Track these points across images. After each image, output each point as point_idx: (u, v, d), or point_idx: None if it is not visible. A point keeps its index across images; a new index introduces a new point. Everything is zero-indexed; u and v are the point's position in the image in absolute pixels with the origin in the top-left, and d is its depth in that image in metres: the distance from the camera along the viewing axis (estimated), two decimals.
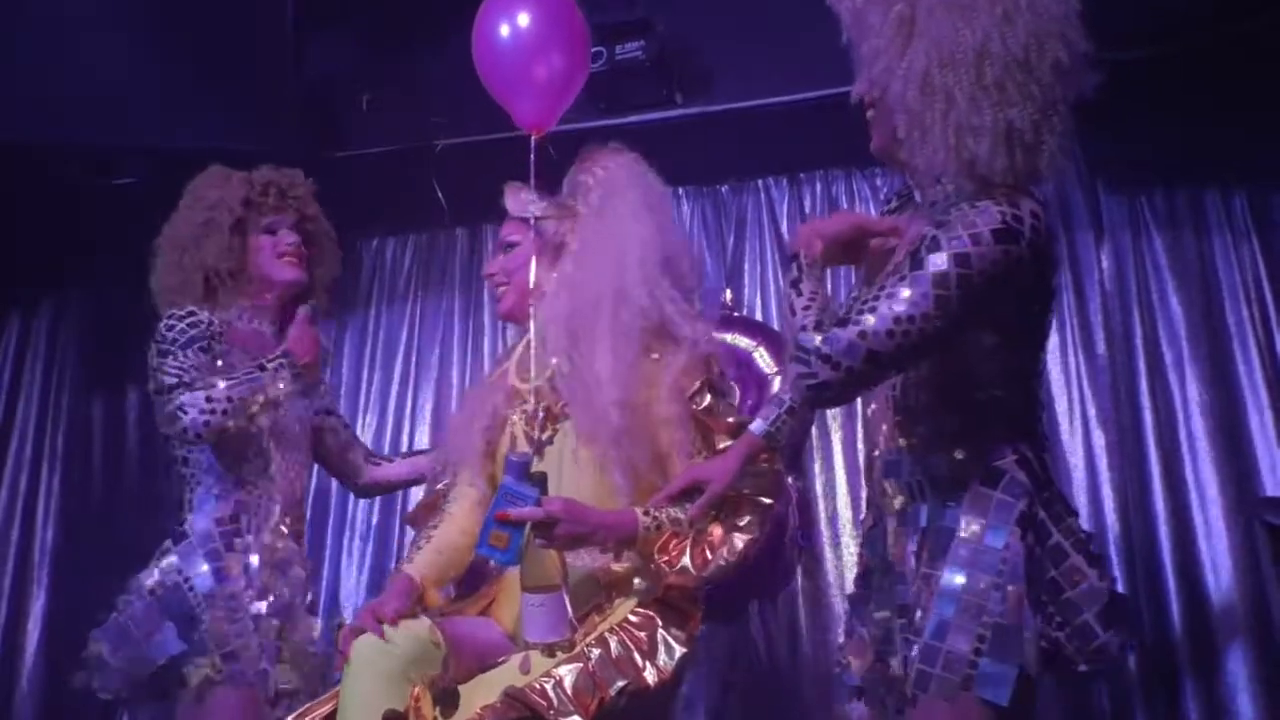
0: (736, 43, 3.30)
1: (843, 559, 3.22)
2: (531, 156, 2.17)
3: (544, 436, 1.97)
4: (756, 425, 1.87)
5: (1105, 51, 2.73)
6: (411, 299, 3.87)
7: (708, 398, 1.92)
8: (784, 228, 3.54)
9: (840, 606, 3.18)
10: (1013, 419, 1.55)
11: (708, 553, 1.83)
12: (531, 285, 2.03)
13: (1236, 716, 2.80)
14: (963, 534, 1.48)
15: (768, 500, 1.89)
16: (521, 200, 2.05)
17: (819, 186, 3.54)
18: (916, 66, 1.42)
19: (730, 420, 1.94)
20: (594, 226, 1.99)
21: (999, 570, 1.45)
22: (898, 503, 1.59)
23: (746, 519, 1.87)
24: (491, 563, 1.96)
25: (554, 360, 1.96)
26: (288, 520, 2.38)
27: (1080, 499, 3.06)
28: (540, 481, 1.75)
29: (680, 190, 3.64)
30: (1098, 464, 3.10)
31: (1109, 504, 3.05)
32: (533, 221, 2.05)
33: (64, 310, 3.92)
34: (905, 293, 1.38)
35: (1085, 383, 3.17)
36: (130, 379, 3.83)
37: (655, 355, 1.92)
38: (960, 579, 1.46)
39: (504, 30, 2.25)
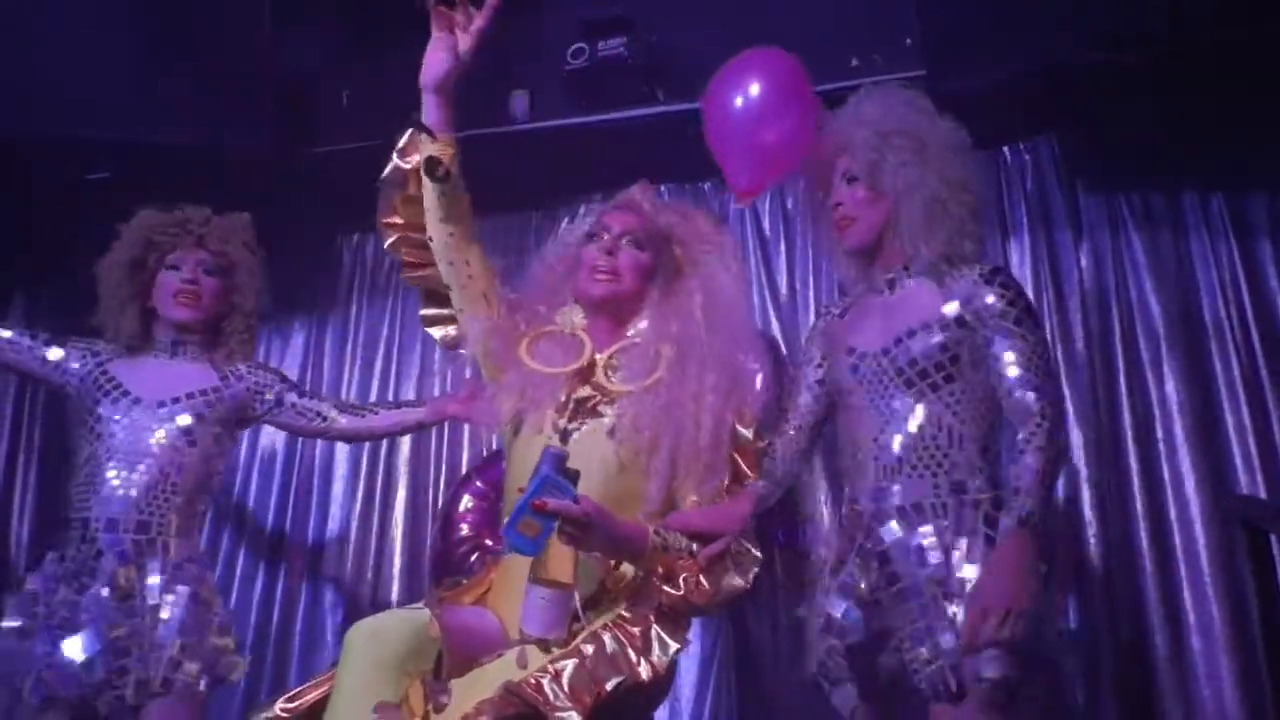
0: (719, 39, 3.27)
1: (823, 558, 3.22)
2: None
3: (569, 426, 1.98)
4: (754, 488, 2.02)
5: (1086, 54, 2.76)
6: (392, 295, 3.85)
7: (758, 446, 2.05)
8: (765, 225, 3.54)
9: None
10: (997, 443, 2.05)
11: (705, 584, 1.87)
12: (645, 293, 2.10)
13: (1214, 714, 2.82)
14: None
15: (758, 553, 1.96)
16: (671, 211, 2.19)
17: (801, 184, 3.52)
18: (930, 185, 2.05)
19: (755, 448, 2.05)
20: (713, 270, 2.12)
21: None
22: (911, 522, 1.97)
23: (743, 567, 1.93)
24: (506, 545, 1.94)
25: (653, 363, 2.00)
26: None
27: (1057, 495, 3.08)
28: (575, 478, 1.75)
29: (662, 188, 3.63)
30: (1076, 461, 3.11)
31: (1087, 501, 3.06)
32: (667, 237, 2.13)
33: (38, 305, 3.88)
34: (1031, 341, 1.99)
35: (1064, 381, 3.18)
36: None
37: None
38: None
39: (739, 100, 2.29)
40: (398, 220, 2.12)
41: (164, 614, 2.38)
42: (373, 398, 3.75)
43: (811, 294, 3.43)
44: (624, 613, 1.84)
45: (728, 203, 3.58)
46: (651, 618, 1.84)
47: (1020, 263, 3.31)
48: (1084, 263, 3.26)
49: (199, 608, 2.44)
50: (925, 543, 1.92)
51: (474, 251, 2.09)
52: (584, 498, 1.74)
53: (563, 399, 2.00)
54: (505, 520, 1.75)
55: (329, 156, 3.51)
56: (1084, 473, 3.09)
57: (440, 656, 1.76)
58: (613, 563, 1.90)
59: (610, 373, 2.02)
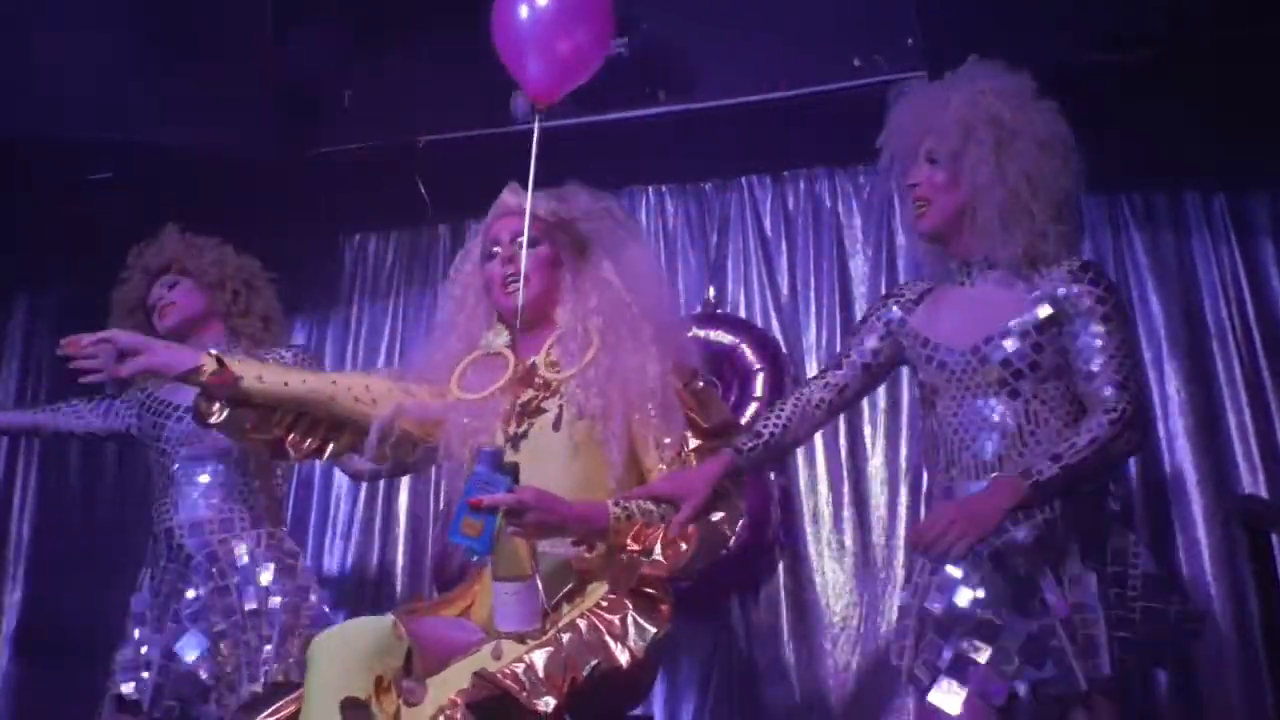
0: (720, 40, 3.29)
1: (824, 555, 3.23)
2: (535, 136, 2.18)
3: (518, 430, 1.99)
4: (730, 451, 1.97)
5: (1086, 54, 2.76)
6: (394, 295, 3.85)
7: (701, 385, 2.02)
8: (767, 226, 3.54)
9: (822, 603, 3.19)
10: None
11: (681, 544, 1.85)
12: (555, 286, 2.09)
13: (1216, 713, 2.82)
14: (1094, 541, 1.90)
15: (740, 504, 1.96)
16: (551, 200, 2.12)
17: (802, 185, 3.54)
18: (1011, 182, 1.95)
19: (720, 420, 2.03)
20: (618, 242, 2.10)
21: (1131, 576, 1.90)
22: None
23: (720, 515, 1.92)
24: (462, 551, 1.96)
25: (586, 338, 2.00)
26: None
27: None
28: (512, 472, 1.77)
29: (663, 188, 3.64)
30: None
31: None
32: (563, 224, 2.10)
33: (41, 306, 3.88)
34: (1117, 339, 1.90)
35: None
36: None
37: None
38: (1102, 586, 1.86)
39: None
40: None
41: (261, 611, 2.52)
42: None
43: (813, 294, 3.43)
44: (601, 602, 1.84)
45: (730, 203, 3.58)
46: (629, 604, 1.83)
47: None
48: None
49: (294, 600, 2.57)
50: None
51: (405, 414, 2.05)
52: (523, 486, 1.76)
53: (507, 408, 2.01)
54: (450, 525, 1.76)
55: (330, 157, 3.51)
56: None
57: (410, 655, 1.76)
58: (585, 548, 1.88)
59: (551, 367, 2.03)
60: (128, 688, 2.52)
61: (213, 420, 1.98)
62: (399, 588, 3.54)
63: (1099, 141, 3.21)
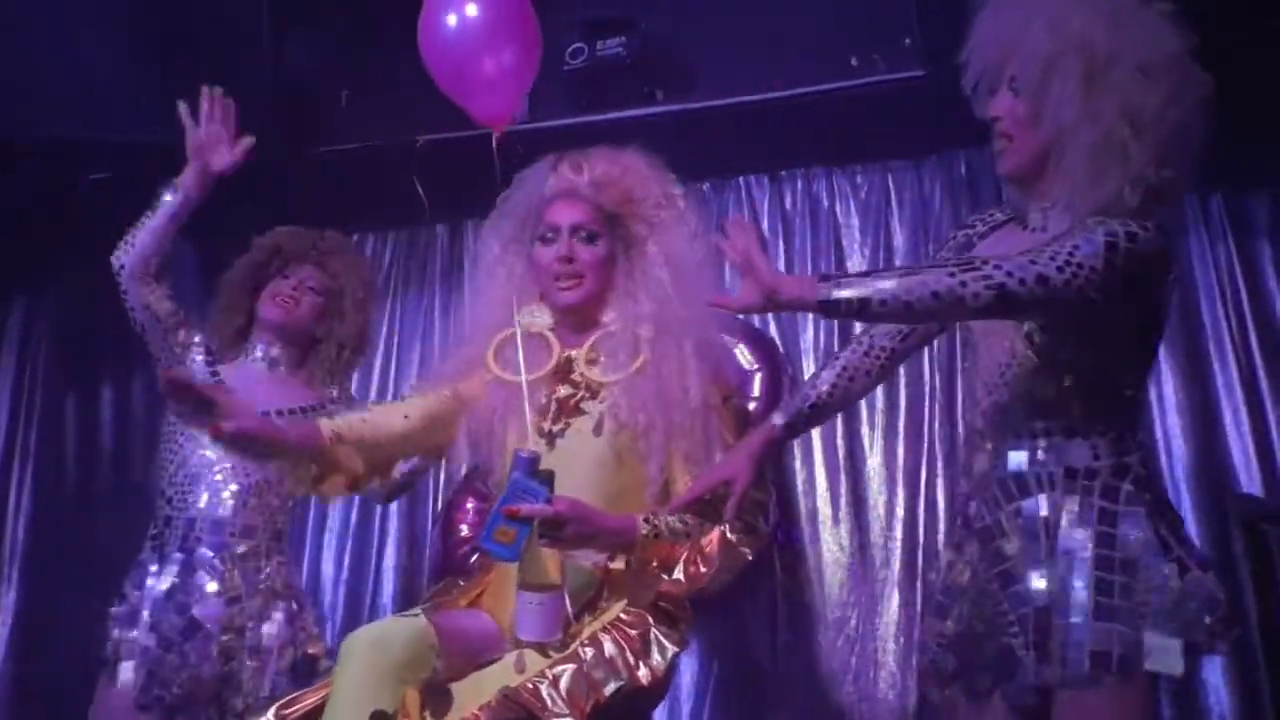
0: (718, 40, 3.29)
1: (822, 555, 3.23)
2: (495, 153, 2.17)
3: (554, 429, 1.94)
4: (777, 416, 1.82)
5: None
6: (392, 296, 3.85)
7: (737, 404, 2.02)
8: (765, 225, 3.54)
9: (819, 602, 3.19)
10: (1135, 417, 1.72)
11: (701, 565, 1.84)
12: (609, 285, 2.02)
13: (1212, 713, 2.83)
14: (1100, 526, 1.60)
15: (764, 497, 1.92)
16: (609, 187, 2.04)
17: (800, 184, 3.54)
18: (1105, 120, 1.60)
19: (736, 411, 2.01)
20: (669, 238, 2.02)
21: (1143, 555, 1.59)
22: (1016, 493, 1.67)
23: (742, 537, 1.89)
24: (474, 559, 1.95)
25: (634, 347, 1.94)
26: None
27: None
28: (549, 479, 1.73)
29: None
30: None
31: None
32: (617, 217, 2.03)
33: (37, 307, 3.88)
34: (1081, 244, 1.53)
35: None
36: (104, 376, 3.80)
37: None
38: (1105, 567, 1.58)
39: (451, 22, 2.22)
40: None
41: (266, 625, 2.45)
42: (372, 396, 3.74)
43: None
44: (623, 615, 1.82)
45: (727, 203, 3.58)
46: (650, 620, 1.82)
47: None
48: None
49: (296, 615, 2.50)
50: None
51: (421, 434, 1.99)
52: (560, 497, 1.73)
53: (543, 401, 1.96)
54: (483, 531, 1.74)
55: (328, 157, 3.52)
56: None
57: (437, 662, 1.74)
58: (607, 558, 1.87)
59: (590, 366, 1.97)
60: (127, 672, 2.41)
61: (317, 488, 1.90)
62: (394, 589, 3.53)
63: None
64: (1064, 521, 1.63)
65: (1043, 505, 1.65)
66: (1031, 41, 1.65)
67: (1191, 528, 2.96)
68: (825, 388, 1.84)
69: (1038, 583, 1.62)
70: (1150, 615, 1.56)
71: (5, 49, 3.03)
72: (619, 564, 1.86)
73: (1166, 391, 3.10)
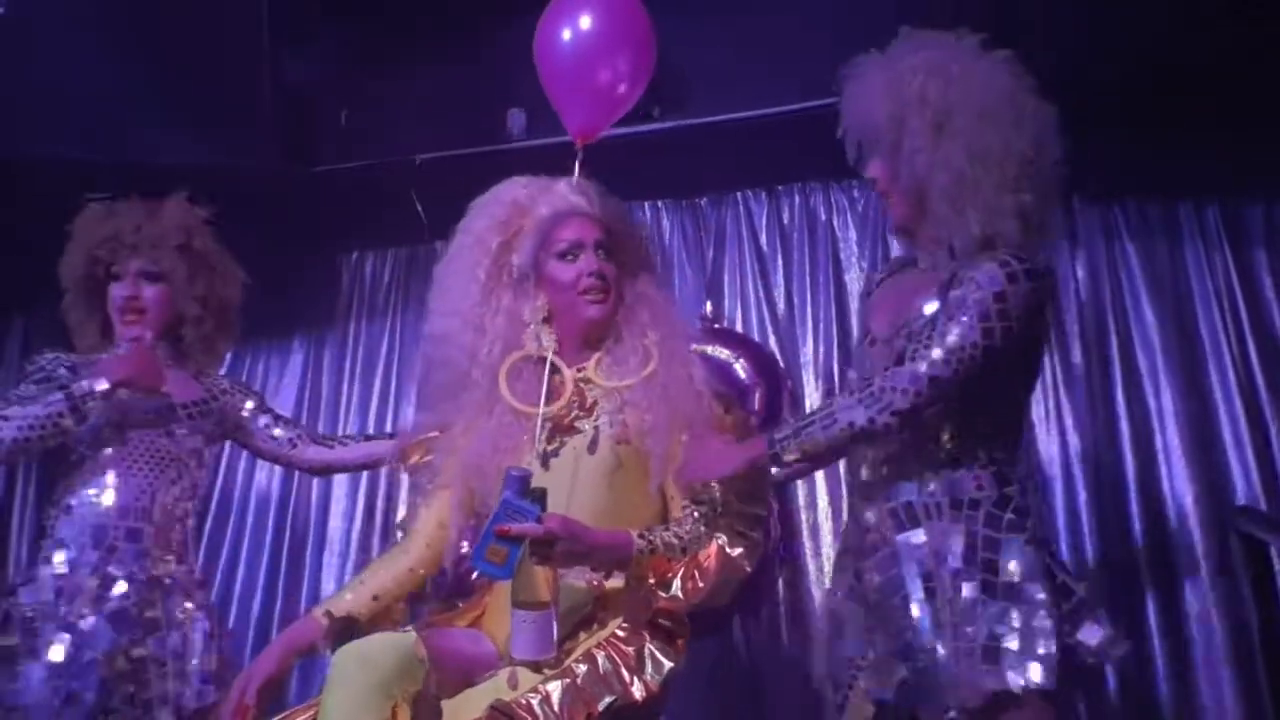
0: (713, 57, 3.31)
1: (824, 570, 3.22)
2: (576, 165, 2.19)
3: (550, 449, 1.96)
4: (768, 437, 1.85)
5: (1082, 68, 2.77)
6: (391, 313, 3.86)
7: (741, 412, 2.06)
8: (763, 240, 3.55)
9: (820, 615, 3.18)
10: (1015, 446, 1.87)
11: (699, 580, 1.83)
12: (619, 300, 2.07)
13: None
14: (984, 553, 1.74)
15: (762, 512, 1.94)
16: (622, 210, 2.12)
17: (797, 199, 3.55)
18: (955, 165, 1.77)
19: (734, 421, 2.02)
20: (646, 253, 2.11)
21: (1025, 581, 1.71)
22: (901, 523, 1.81)
23: (740, 550, 1.89)
24: (475, 576, 1.95)
25: (643, 356, 1.98)
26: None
27: (1057, 507, 3.08)
28: (540, 498, 1.74)
29: (659, 203, 3.65)
30: (1074, 472, 3.12)
31: (1085, 512, 3.07)
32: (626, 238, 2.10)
33: (37, 327, 3.88)
34: (955, 328, 1.71)
35: (1061, 391, 3.19)
36: None
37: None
38: (988, 591, 1.71)
39: (575, 29, 2.22)
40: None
41: (187, 633, 2.37)
42: (371, 416, 3.75)
43: (809, 309, 3.44)
44: (618, 630, 1.82)
45: (725, 218, 3.60)
46: (646, 635, 1.81)
47: None
48: (1079, 273, 3.27)
49: (212, 626, 2.42)
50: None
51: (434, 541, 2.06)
52: (551, 515, 1.73)
53: (540, 423, 1.97)
54: (475, 550, 1.74)
55: (327, 175, 3.52)
56: (1082, 483, 3.10)
57: (428, 677, 1.74)
58: (603, 576, 1.87)
59: (603, 373, 2.00)
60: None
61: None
62: None
63: (1092, 151, 3.26)
64: (950, 549, 1.75)
65: (928, 533, 1.77)
66: (881, 109, 1.85)
67: (1191, 539, 2.97)
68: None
69: (916, 609, 1.74)
70: (1032, 637, 1.67)
71: (7, 69, 3.05)
72: (616, 582, 1.86)
73: (1165, 403, 3.10)
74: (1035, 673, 1.64)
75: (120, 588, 2.33)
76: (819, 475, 3.29)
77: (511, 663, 1.78)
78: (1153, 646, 2.92)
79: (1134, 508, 3.03)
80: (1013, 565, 1.72)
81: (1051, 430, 3.16)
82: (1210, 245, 3.20)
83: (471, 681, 1.78)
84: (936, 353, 1.70)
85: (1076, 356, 3.20)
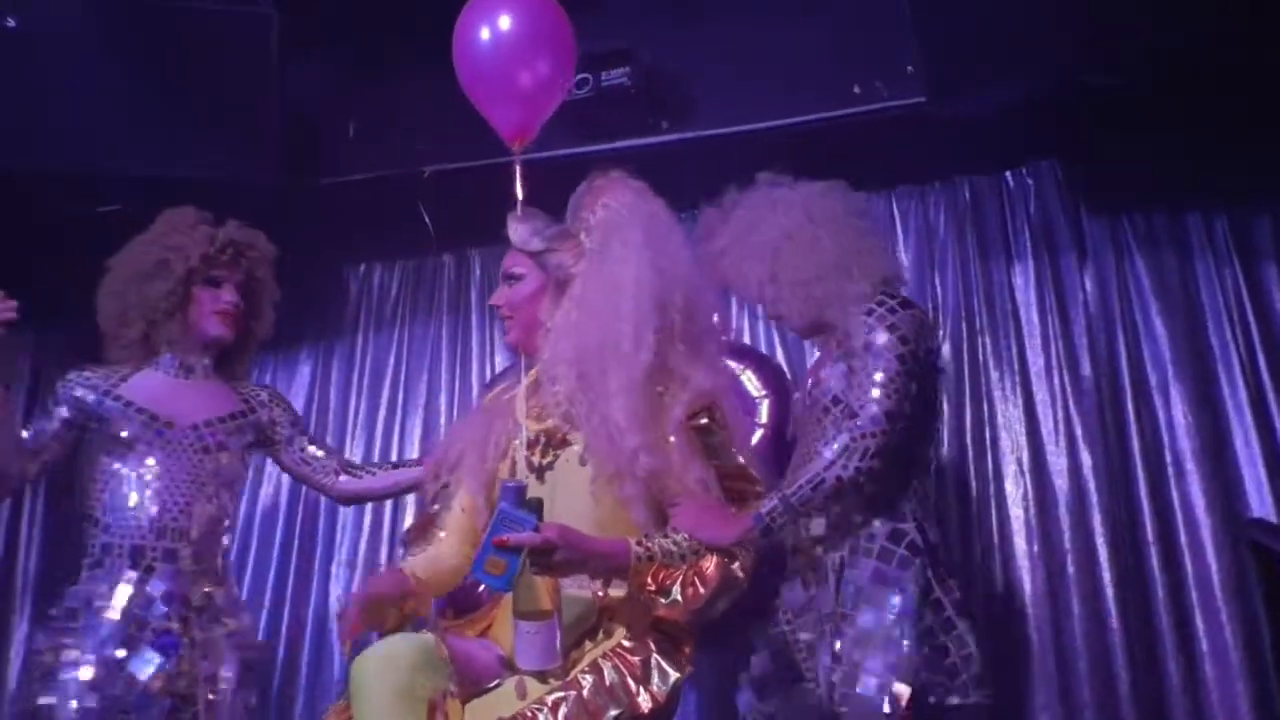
0: (721, 70, 3.32)
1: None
2: (517, 176, 2.15)
3: (544, 462, 1.95)
4: (757, 515, 1.95)
5: (1088, 79, 2.78)
6: (399, 325, 3.87)
7: (704, 423, 1.91)
8: None
9: None
10: (909, 489, 2.17)
11: (699, 586, 1.81)
12: (542, 319, 2.02)
13: None
14: (872, 584, 2.07)
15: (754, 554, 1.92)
16: (524, 232, 2.00)
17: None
18: (797, 272, 2.34)
19: (730, 463, 1.94)
20: (595, 267, 1.95)
21: (900, 614, 2.03)
22: (816, 551, 2.17)
23: (737, 563, 1.88)
24: (480, 589, 1.95)
25: (562, 398, 1.92)
26: None
27: (1067, 520, 3.07)
28: (536, 508, 1.74)
29: None
30: (1085, 485, 3.10)
31: (1097, 524, 3.05)
32: (536, 256, 2.02)
33: (49, 339, 3.89)
34: (878, 371, 2.09)
35: (1071, 404, 3.18)
36: None
37: (660, 389, 1.89)
38: (871, 620, 2.04)
39: (485, 35, 2.19)
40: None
41: (219, 650, 2.38)
42: (379, 428, 3.75)
43: None
44: (625, 641, 1.81)
45: None
46: (653, 645, 1.81)
47: (1024, 287, 3.32)
48: (1088, 287, 3.26)
49: (245, 640, 2.45)
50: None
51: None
52: (548, 524, 1.72)
53: (531, 437, 1.97)
54: (474, 563, 1.74)
55: (336, 188, 3.54)
56: (1094, 498, 3.08)
57: (451, 677, 1.74)
58: (604, 584, 1.85)
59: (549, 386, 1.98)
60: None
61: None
62: None
63: (1101, 165, 3.27)
64: (847, 580, 2.07)
65: (834, 562, 2.11)
66: (742, 261, 2.42)
67: (1204, 552, 2.95)
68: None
69: (808, 633, 2.14)
70: (918, 665, 1.98)
71: (16, 82, 3.07)
72: (618, 591, 1.85)
73: (1176, 415, 3.08)
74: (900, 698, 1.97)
75: (159, 609, 2.34)
76: None
77: (517, 670, 1.78)
78: (1166, 656, 2.90)
79: (1146, 519, 3.02)
80: (901, 600, 2.06)
81: (1061, 442, 3.15)
82: (1219, 257, 3.19)
83: (480, 690, 1.78)
84: (878, 392, 2.05)
85: (1086, 369, 3.19)
